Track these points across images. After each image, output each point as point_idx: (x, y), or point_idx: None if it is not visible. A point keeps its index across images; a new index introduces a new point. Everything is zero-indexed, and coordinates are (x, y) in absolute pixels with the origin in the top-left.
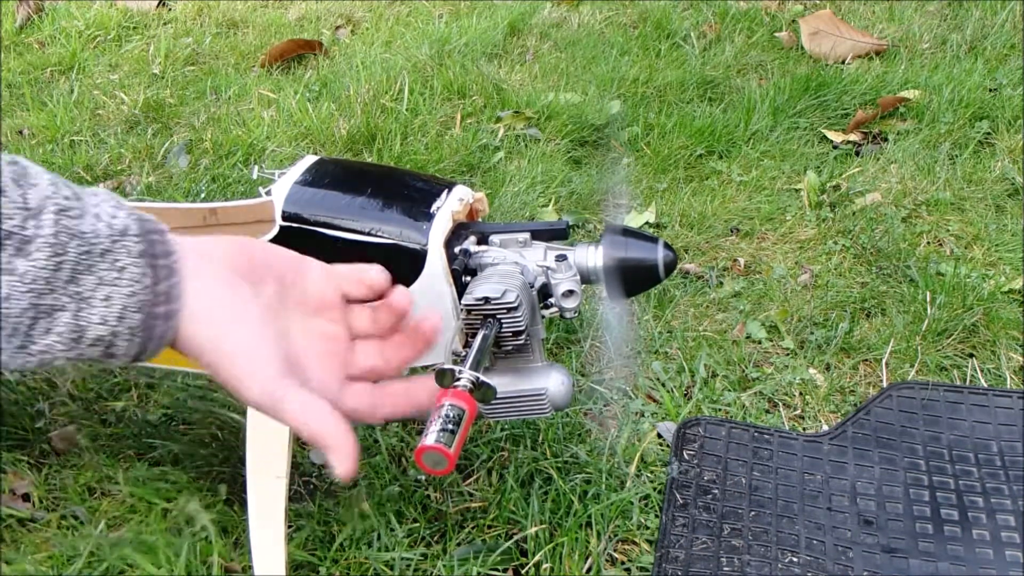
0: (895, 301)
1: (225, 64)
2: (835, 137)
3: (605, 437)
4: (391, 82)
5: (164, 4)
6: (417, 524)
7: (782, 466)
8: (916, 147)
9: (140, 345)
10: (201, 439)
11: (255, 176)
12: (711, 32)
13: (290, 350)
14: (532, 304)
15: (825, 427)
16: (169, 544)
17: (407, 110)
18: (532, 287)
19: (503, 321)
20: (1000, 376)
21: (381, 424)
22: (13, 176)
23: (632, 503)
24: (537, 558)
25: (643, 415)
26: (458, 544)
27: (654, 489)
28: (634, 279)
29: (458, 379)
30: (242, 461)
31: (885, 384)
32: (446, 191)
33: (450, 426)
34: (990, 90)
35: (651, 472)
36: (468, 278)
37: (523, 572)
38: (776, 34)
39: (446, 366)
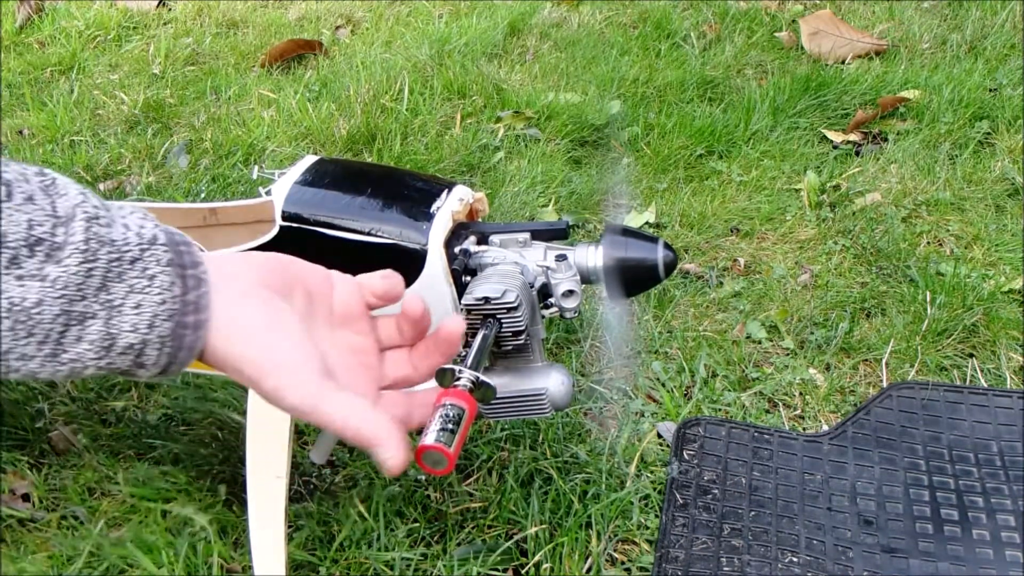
0: (895, 301)
1: (225, 64)
2: (835, 137)
3: (605, 437)
4: (391, 82)
5: (164, 4)
6: (417, 524)
7: (782, 466)
8: (916, 147)
9: (169, 355)
10: (201, 439)
11: (255, 176)
12: (711, 32)
13: (326, 360)
14: (532, 304)
15: (825, 427)
16: (169, 544)
17: (407, 110)
18: (532, 287)
19: (503, 321)
20: (1000, 376)
21: (416, 432)
22: (41, 185)
23: (632, 503)
24: (537, 558)
25: (643, 415)
26: (458, 544)
27: (654, 489)
28: (634, 279)
29: (458, 379)
30: (242, 461)
31: (885, 384)
32: (446, 191)
33: (450, 425)
34: (990, 90)
35: (651, 472)
36: (468, 278)
37: (523, 572)
38: (776, 34)
39: (446, 366)
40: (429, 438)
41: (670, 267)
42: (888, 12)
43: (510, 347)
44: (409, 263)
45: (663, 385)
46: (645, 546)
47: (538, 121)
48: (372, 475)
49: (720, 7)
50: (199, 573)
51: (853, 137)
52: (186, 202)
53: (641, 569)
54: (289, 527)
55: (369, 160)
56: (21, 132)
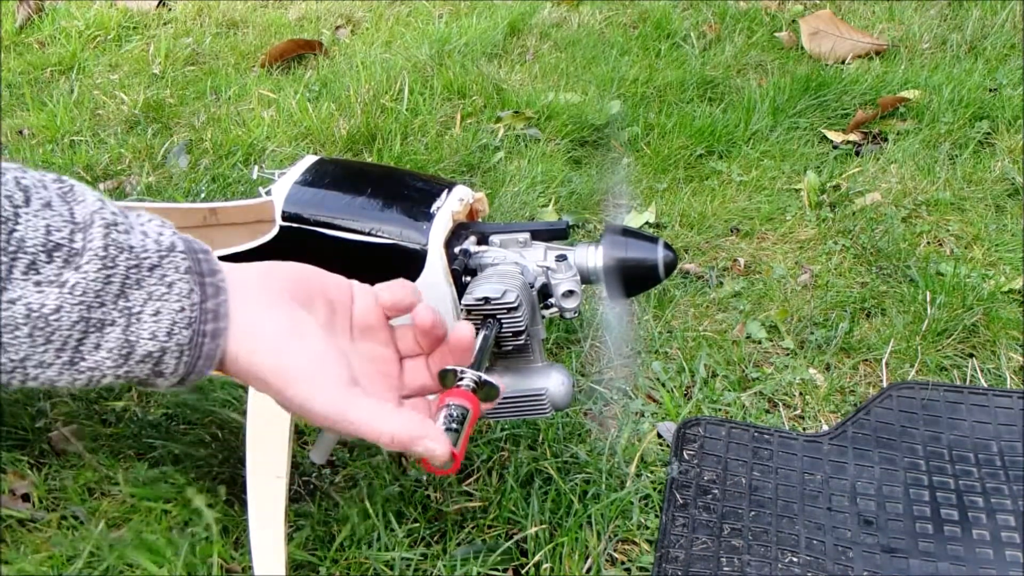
0: (895, 301)
1: (225, 64)
2: (835, 137)
3: (605, 437)
4: (391, 82)
5: (164, 4)
6: (417, 524)
7: (782, 466)
8: (916, 147)
9: (188, 364)
10: (201, 439)
11: (255, 176)
12: (711, 32)
13: (351, 367)
14: (532, 304)
15: (825, 427)
16: (169, 544)
17: (407, 110)
18: (532, 287)
19: (503, 321)
20: (1000, 376)
21: None
22: (59, 192)
23: (632, 503)
24: (537, 558)
25: (643, 415)
26: (458, 544)
27: (654, 489)
28: (634, 279)
29: (461, 379)
30: (242, 461)
31: (885, 384)
32: (446, 191)
33: (454, 425)
34: (990, 90)
35: (651, 472)
36: (468, 278)
37: (523, 572)
38: (776, 34)
39: (449, 366)
40: None
41: (670, 267)
42: (888, 12)
43: (510, 347)
44: (409, 263)
45: (663, 385)
46: (645, 546)
47: (538, 121)
48: (372, 475)
49: (720, 7)
50: (199, 573)
51: (853, 137)
52: (186, 202)
53: (641, 569)
54: (289, 527)
55: (369, 160)
56: (21, 132)
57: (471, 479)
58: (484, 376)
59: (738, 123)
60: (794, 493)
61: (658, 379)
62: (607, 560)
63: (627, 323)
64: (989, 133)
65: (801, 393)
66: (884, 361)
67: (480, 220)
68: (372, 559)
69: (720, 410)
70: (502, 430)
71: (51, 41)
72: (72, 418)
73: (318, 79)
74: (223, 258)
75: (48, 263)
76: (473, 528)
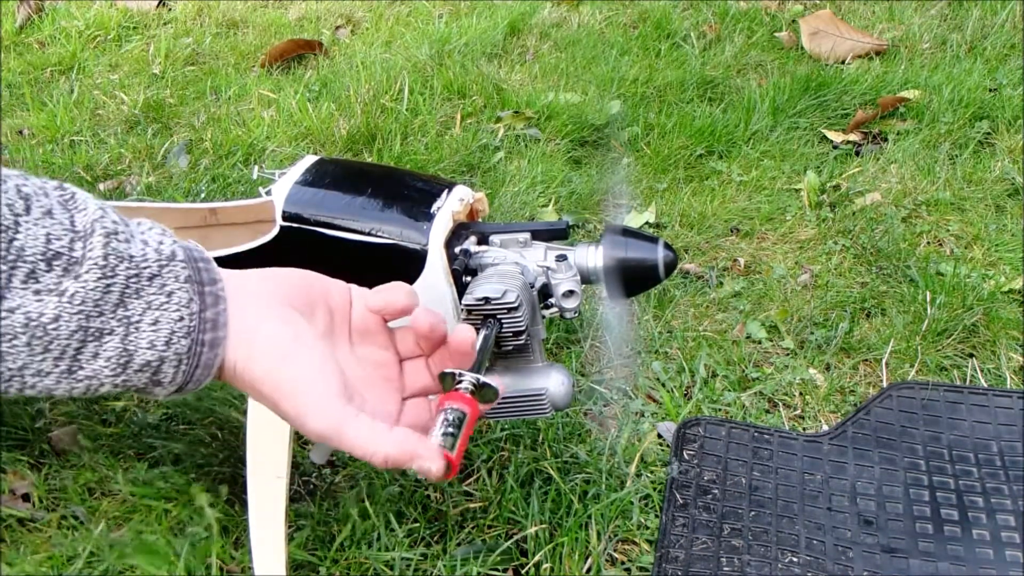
0: (895, 301)
1: (225, 64)
2: (835, 137)
3: (605, 437)
4: (391, 82)
5: (164, 4)
6: (417, 524)
7: (782, 466)
8: (916, 147)
9: (186, 373)
10: (201, 439)
11: (255, 176)
12: (711, 32)
13: (347, 379)
14: (532, 304)
15: (825, 427)
16: (169, 544)
17: (407, 110)
18: (532, 287)
19: (503, 321)
20: (1000, 376)
21: None
22: (60, 200)
23: (632, 503)
24: (537, 558)
25: (643, 415)
26: (458, 544)
27: (654, 489)
28: (634, 279)
29: (459, 381)
30: (242, 461)
31: (885, 384)
32: (446, 191)
33: (451, 429)
34: (990, 90)
35: (651, 472)
36: (468, 278)
37: (523, 572)
38: (776, 34)
39: (448, 369)
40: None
41: (670, 267)
42: (888, 12)
43: (510, 347)
44: (409, 263)
45: (663, 385)
46: (645, 546)
47: (538, 121)
48: (372, 475)
49: (720, 7)
50: (199, 573)
51: (853, 137)
52: (186, 202)
53: (641, 569)
54: (289, 527)
55: (369, 160)
56: (21, 132)
57: (471, 479)
58: (483, 379)
59: (738, 123)
60: (794, 493)
61: (658, 379)
62: (607, 560)
63: (627, 323)
64: (989, 133)
65: (801, 393)
66: (884, 361)
67: (480, 220)
68: (372, 559)
69: (720, 410)
70: (502, 430)
71: (51, 41)
72: (72, 418)
73: (318, 79)
74: (223, 258)
75: (48, 272)
76: (473, 528)
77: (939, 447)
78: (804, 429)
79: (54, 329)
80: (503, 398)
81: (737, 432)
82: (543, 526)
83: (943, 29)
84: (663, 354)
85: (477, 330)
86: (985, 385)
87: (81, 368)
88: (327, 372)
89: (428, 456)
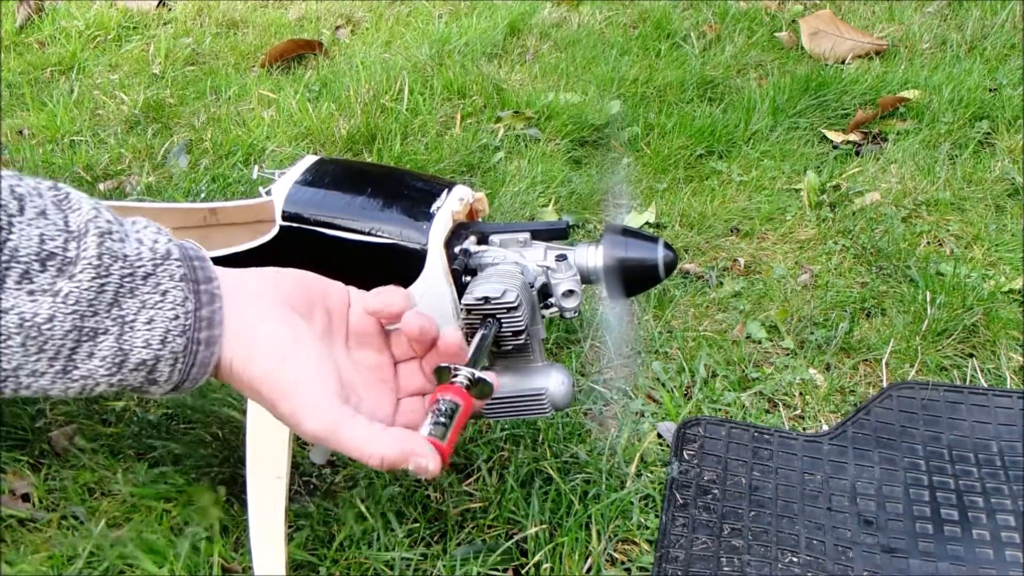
0: (895, 301)
1: (225, 64)
2: (835, 137)
3: (605, 437)
4: (391, 82)
5: (164, 4)
6: (417, 524)
7: (782, 466)
8: (916, 147)
9: (182, 372)
10: (201, 439)
11: (255, 176)
12: (711, 32)
13: (344, 380)
14: (532, 304)
15: (825, 427)
16: (169, 544)
17: (407, 110)
18: (532, 287)
19: (503, 321)
20: (1000, 376)
21: None
22: (54, 200)
23: (632, 503)
24: (537, 558)
25: (643, 415)
26: (458, 544)
27: (654, 489)
28: (634, 279)
29: (455, 375)
30: (242, 461)
31: (885, 384)
32: (446, 191)
33: (442, 419)
34: (990, 90)
35: (651, 472)
36: (468, 278)
37: (523, 572)
38: (776, 34)
39: (444, 364)
40: (422, 431)
41: (670, 267)
42: (888, 12)
43: (510, 347)
44: (409, 263)
45: (663, 385)
46: (645, 546)
47: (538, 121)
48: (372, 475)
49: (720, 7)
50: (199, 573)
51: (853, 137)
52: (186, 202)
53: (641, 569)
54: (289, 527)
55: (369, 160)
56: (21, 132)
57: (471, 479)
58: (478, 373)
59: (738, 123)
60: (794, 493)
61: (658, 379)
62: (607, 560)
63: (627, 323)
64: (989, 133)
65: (801, 393)
66: (884, 361)
67: (480, 220)
68: (372, 559)
69: (720, 410)
70: (502, 430)
71: (51, 41)
72: (72, 418)
73: (318, 79)
74: (223, 258)
75: (42, 272)
76: (473, 528)
77: (939, 447)
78: (804, 429)
79: (48, 329)
80: (503, 398)
81: (737, 432)
82: (543, 526)
83: (943, 29)
84: (663, 354)
85: (476, 329)
86: (985, 385)
87: (76, 368)
88: (325, 373)
89: (424, 454)
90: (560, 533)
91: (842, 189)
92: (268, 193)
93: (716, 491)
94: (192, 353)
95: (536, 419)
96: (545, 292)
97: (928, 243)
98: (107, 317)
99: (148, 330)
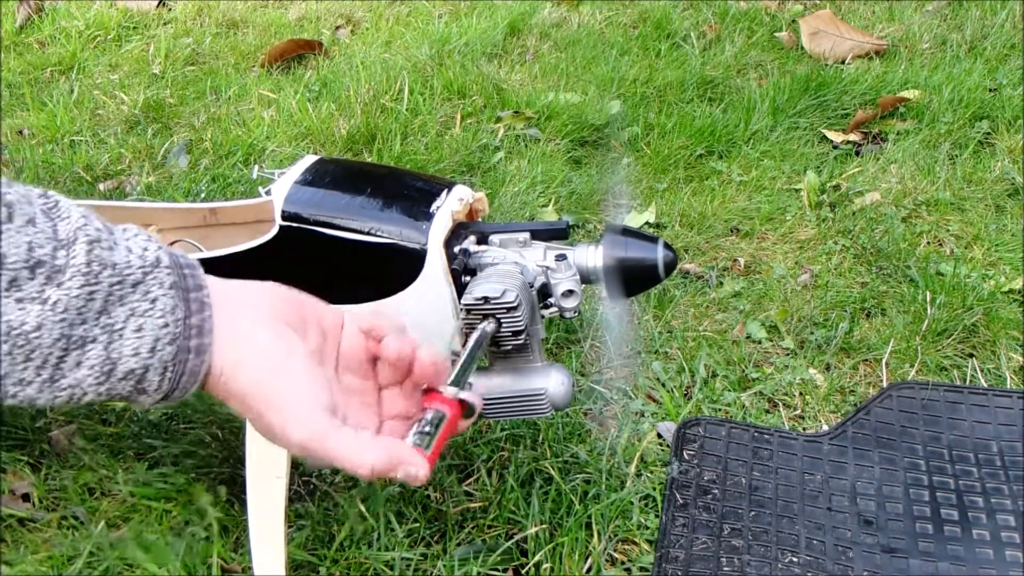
0: (895, 301)
1: (225, 64)
2: (835, 137)
3: (605, 437)
4: (391, 82)
5: (164, 4)
6: (417, 524)
7: (782, 466)
8: (916, 147)
9: (172, 381)
10: (201, 439)
11: (255, 176)
12: (711, 32)
13: (333, 397)
14: (532, 304)
15: (825, 427)
16: (169, 544)
17: (407, 110)
18: (532, 287)
19: (503, 321)
20: (1000, 376)
21: None
22: (44, 208)
23: (632, 503)
24: (537, 558)
25: (643, 415)
26: (458, 544)
27: (654, 489)
28: (634, 279)
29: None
30: (242, 461)
31: (885, 384)
32: (446, 191)
33: (427, 428)
34: (990, 90)
35: (651, 472)
36: (468, 278)
37: (523, 572)
38: (776, 34)
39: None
40: (407, 440)
41: (670, 267)
42: (888, 12)
43: (510, 347)
44: (409, 263)
45: (663, 385)
46: (645, 546)
47: (538, 121)
48: None
49: (720, 7)
50: (199, 573)
51: (853, 137)
52: (186, 202)
53: (641, 569)
54: (289, 527)
55: (369, 160)
56: (21, 132)
57: (471, 479)
58: (462, 394)
59: (738, 123)
60: (794, 493)
61: (658, 379)
62: (607, 560)
63: (627, 323)
64: (989, 133)
65: (801, 393)
66: (884, 361)
67: (480, 220)
68: (372, 559)
69: (720, 410)
70: (502, 430)
71: (51, 41)
72: (72, 418)
73: (318, 79)
74: (223, 258)
75: (30, 280)
76: (473, 528)
77: (939, 447)
78: (804, 429)
79: (36, 337)
80: (503, 398)
81: (737, 432)
82: (543, 526)
83: (943, 29)
84: (663, 354)
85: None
86: (985, 385)
87: (64, 377)
88: (316, 387)
89: (414, 462)
90: (560, 533)
91: (842, 189)
92: (268, 193)
93: (716, 491)
94: (182, 362)
95: (536, 419)
96: (545, 292)
97: (928, 243)
98: (96, 325)
99: (137, 338)
